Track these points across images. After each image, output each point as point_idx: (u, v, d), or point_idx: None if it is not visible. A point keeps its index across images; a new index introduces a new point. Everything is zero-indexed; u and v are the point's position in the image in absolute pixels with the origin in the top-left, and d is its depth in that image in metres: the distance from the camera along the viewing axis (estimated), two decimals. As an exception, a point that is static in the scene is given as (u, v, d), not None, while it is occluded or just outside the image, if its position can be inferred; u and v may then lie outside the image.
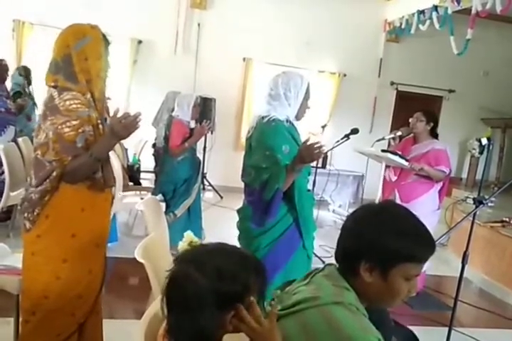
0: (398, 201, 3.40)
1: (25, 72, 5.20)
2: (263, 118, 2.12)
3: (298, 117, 2.21)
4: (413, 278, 1.13)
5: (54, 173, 1.70)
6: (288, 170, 1.97)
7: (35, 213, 1.75)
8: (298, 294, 1.16)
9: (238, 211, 2.32)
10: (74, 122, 1.69)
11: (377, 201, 3.55)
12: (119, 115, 1.69)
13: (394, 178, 3.54)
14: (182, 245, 1.17)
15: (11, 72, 4.96)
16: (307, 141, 1.91)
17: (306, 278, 1.22)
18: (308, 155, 1.90)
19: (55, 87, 1.76)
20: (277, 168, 1.99)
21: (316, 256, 3.38)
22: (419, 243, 1.11)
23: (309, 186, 2.37)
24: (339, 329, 1.04)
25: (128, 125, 1.67)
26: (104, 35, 1.82)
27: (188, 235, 1.20)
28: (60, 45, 1.77)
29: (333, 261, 1.26)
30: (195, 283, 1.01)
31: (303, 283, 1.21)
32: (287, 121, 2.15)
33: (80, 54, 1.74)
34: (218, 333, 1.06)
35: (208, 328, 1.02)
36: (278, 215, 2.08)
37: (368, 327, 1.08)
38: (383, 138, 3.62)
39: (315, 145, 1.87)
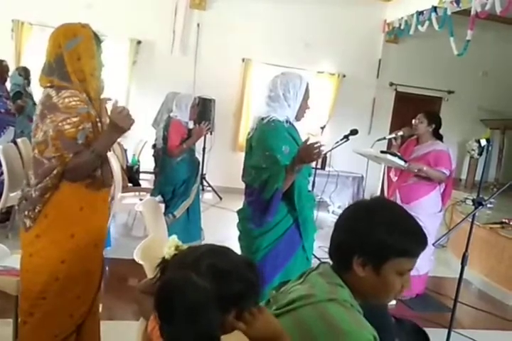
0: (399, 202, 3.39)
1: (25, 73, 5.19)
2: (263, 119, 2.12)
3: (298, 118, 2.21)
4: (406, 272, 1.14)
5: (55, 171, 1.69)
6: (287, 170, 1.97)
7: (36, 210, 1.74)
8: (293, 293, 1.17)
9: (238, 212, 2.31)
10: (74, 119, 1.68)
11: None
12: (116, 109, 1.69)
13: (395, 179, 3.54)
14: (168, 251, 1.14)
15: (10, 73, 4.96)
16: (307, 141, 1.91)
17: (300, 277, 1.23)
18: (308, 155, 1.90)
19: (51, 86, 1.76)
20: (277, 168, 1.99)
21: (316, 257, 3.37)
22: (410, 237, 1.12)
23: (309, 187, 2.36)
24: (334, 325, 1.04)
25: (128, 115, 1.68)
26: (95, 34, 1.81)
27: (173, 240, 1.17)
28: (51, 46, 1.77)
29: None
30: (201, 290, 0.98)
31: (298, 282, 1.22)
32: (287, 121, 2.15)
33: (71, 54, 1.73)
34: (219, 335, 1.05)
35: (213, 333, 1.01)
36: (278, 216, 2.07)
37: (362, 322, 1.09)
38: (384, 138, 3.61)
39: (314, 146, 1.87)
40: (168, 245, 1.15)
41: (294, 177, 2.03)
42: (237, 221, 2.31)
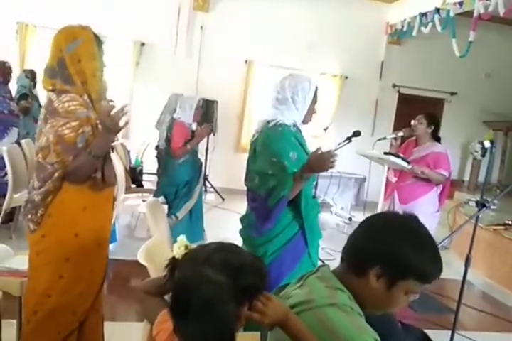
0: (397, 202, 3.44)
1: (31, 75, 5.22)
2: (269, 122, 2.04)
3: (305, 122, 2.15)
4: (412, 294, 1.15)
5: (56, 174, 1.72)
6: (296, 178, 1.90)
7: (38, 214, 1.77)
8: (292, 298, 1.17)
9: (241, 219, 2.24)
10: (73, 123, 1.71)
11: (380, 203, 3.55)
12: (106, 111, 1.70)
13: (394, 179, 3.55)
14: (178, 250, 1.16)
15: (16, 74, 4.99)
16: (318, 149, 1.83)
17: (299, 281, 1.23)
18: (319, 165, 1.83)
19: (53, 90, 1.78)
20: (284, 175, 1.93)
21: (320, 259, 3.37)
22: (435, 264, 1.13)
23: (313, 192, 2.32)
24: (334, 331, 1.05)
25: (116, 117, 1.68)
26: (96, 35, 1.83)
27: (182, 240, 1.18)
28: (53, 50, 1.80)
29: (335, 263, 1.25)
30: (218, 285, 1.00)
31: (296, 286, 1.22)
32: (294, 125, 2.08)
33: (72, 56, 1.76)
34: (236, 329, 1.07)
35: (231, 327, 1.03)
36: (283, 223, 2.01)
37: (363, 327, 1.09)
38: (384, 138, 3.62)
39: (327, 155, 1.80)
40: (178, 245, 1.16)
41: (302, 186, 1.96)
42: (241, 228, 2.24)
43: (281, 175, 1.94)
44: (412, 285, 1.12)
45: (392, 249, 1.11)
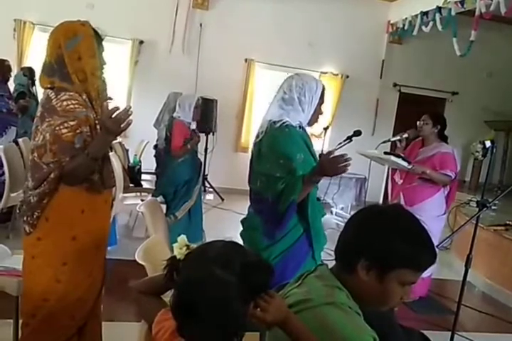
0: (402, 204, 3.35)
1: (29, 73, 5.19)
2: (274, 123, 1.99)
3: (310, 123, 2.10)
4: (409, 284, 1.12)
5: (52, 175, 1.67)
6: (305, 181, 1.85)
7: (34, 216, 1.72)
8: (290, 297, 1.16)
9: (242, 222, 2.19)
10: (71, 123, 1.66)
11: (380, 203, 3.51)
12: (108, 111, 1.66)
13: (400, 181, 3.49)
14: (180, 251, 1.14)
15: (14, 73, 4.96)
16: (331, 152, 1.77)
17: (297, 280, 1.22)
18: (332, 169, 1.77)
19: (51, 88, 1.74)
20: (293, 177, 1.88)
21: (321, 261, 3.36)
22: (423, 251, 1.10)
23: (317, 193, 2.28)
24: (333, 330, 1.04)
25: (119, 119, 1.63)
26: (95, 31, 1.78)
27: (182, 240, 1.17)
28: (52, 46, 1.74)
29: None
30: (228, 284, 0.99)
31: (294, 285, 1.21)
32: (300, 126, 2.04)
33: (72, 54, 1.71)
34: (244, 328, 1.07)
35: (240, 324, 1.02)
36: (288, 226, 1.96)
37: (362, 326, 1.08)
38: (389, 140, 3.57)
39: (341, 159, 1.74)
40: (179, 245, 1.15)
41: (311, 189, 1.92)
42: (242, 230, 2.18)
43: (289, 178, 1.89)
44: (404, 274, 1.09)
45: (371, 239, 1.10)
